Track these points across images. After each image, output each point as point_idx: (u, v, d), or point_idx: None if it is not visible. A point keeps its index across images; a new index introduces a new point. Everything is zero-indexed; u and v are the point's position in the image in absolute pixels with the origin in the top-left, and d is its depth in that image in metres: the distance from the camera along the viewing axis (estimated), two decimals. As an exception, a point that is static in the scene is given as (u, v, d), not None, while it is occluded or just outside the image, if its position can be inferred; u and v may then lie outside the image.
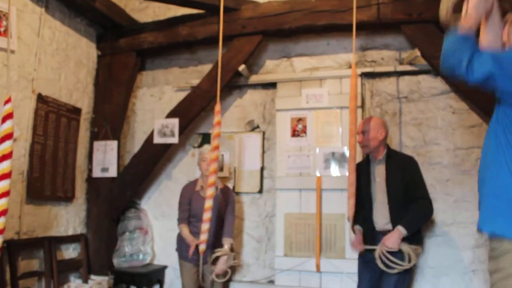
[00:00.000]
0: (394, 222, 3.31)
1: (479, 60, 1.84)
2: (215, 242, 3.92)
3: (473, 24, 1.97)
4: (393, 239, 3.21)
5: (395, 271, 3.21)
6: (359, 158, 3.79)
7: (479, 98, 3.81)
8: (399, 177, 3.38)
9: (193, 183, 4.13)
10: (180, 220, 3.98)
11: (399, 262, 3.20)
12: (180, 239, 4.04)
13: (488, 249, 1.91)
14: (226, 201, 4.06)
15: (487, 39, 2.07)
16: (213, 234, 3.83)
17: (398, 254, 3.23)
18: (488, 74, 1.82)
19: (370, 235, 3.44)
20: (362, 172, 3.53)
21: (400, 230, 3.22)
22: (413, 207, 3.30)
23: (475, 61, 1.85)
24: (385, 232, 3.32)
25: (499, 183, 1.85)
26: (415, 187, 3.37)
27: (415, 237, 3.34)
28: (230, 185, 4.68)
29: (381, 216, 3.40)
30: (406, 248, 3.22)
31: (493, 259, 1.85)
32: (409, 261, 3.22)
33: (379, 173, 3.48)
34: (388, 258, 3.21)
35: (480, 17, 2.01)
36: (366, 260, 3.48)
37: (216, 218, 3.93)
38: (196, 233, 3.84)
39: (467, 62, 1.85)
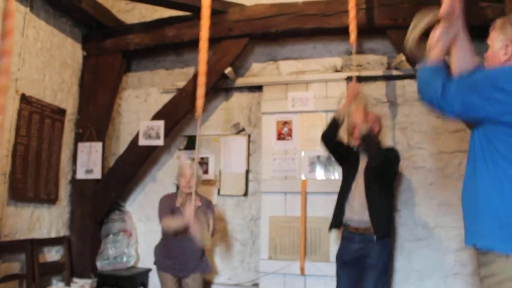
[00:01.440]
0: (370, 206, 3.40)
1: (453, 91, 1.86)
2: (196, 263, 3.84)
3: (441, 54, 2.01)
4: (360, 118, 3.38)
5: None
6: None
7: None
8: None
9: (172, 196, 3.92)
10: (163, 215, 3.75)
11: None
12: (161, 250, 3.95)
13: (478, 256, 1.91)
14: (204, 214, 3.87)
15: (457, 64, 2.10)
16: (194, 254, 3.80)
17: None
18: (467, 105, 1.84)
19: (349, 216, 3.52)
20: (351, 162, 3.66)
21: (363, 127, 3.38)
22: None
23: (449, 92, 1.87)
24: (358, 231, 3.45)
25: (491, 203, 1.84)
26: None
27: (385, 228, 3.43)
28: (215, 188, 4.67)
29: (358, 202, 3.48)
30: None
31: (484, 265, 1.86)
32: None
33: (363, 163, 3.58)
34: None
35: (447, 45, 2.04)
36: (343, 261, 3.55)
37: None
38: (169, 256, 3.78)
39: (441, 94, 1.87)
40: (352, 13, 3.61)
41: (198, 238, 3.52)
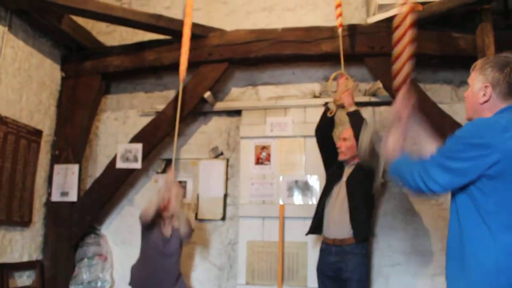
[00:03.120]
0: (353, 223, 3.44)
1: (433, 168, 1.90)
2: (172, 285, 3.85)
3: (399, 147, 2.10)
4: (350, 98, 3.57)
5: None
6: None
7: (438, 129, 3.91)
8: (361, 178, 3.53)
9: None
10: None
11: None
12: (134, 272, 3.93)
13: None
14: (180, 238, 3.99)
15: (424, 150, 2.19)
16: (170, 276, 3.81)
17: None
18: (452, 172, 1.86)
19: (327, 226, 3.59)
20: (334, 172, 3.74)
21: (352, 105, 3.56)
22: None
23: (429, 170, 1.90)
24: (334, 242, 3.51)
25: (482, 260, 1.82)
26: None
27: (361, 229, 3.47)
28: (193, 212, 4.64)
29: (338, 210, 3.53)
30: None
31: None
32: None
33: (346, 174, 3.66)
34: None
35: (402, 141, 2.13)
36: (323, 273, 3.60)
37: (171, 257, 3.88)
38: (145, 278, 3.81)
39: (424, 174, 1.91)
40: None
41: (176, 204, 3.73)
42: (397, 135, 2.12)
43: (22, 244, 4.25)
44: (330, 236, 3.56)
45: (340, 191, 3.61)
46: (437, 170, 1.88)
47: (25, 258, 4.27)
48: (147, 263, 3.84)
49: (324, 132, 3.83)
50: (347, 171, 3.68)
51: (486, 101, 1.97)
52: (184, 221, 3.86)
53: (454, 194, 1.97)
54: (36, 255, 4.42)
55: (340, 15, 3.94)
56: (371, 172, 3.47)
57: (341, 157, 3.72)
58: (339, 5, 3.94)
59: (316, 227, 3.70)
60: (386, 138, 2.15)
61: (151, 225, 3.84)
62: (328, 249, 3.57)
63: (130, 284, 3.95)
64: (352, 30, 4.19)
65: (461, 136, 1.90)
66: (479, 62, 2.06)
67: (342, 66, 3.84)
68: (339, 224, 3.51)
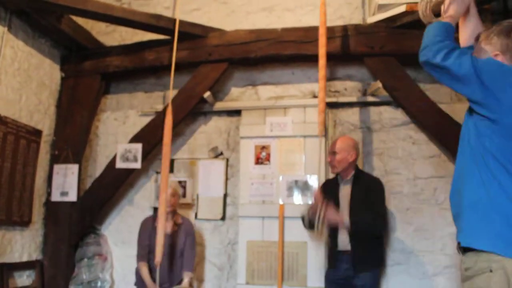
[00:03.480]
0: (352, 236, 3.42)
1: (459, 55, 1.88)
2: (173, 278, 3.90)
3: (453, 22, 2.04)
4: (334, 216, 3.32)
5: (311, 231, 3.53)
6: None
7: (438, 129, 3.95)
8: (362, 199, 3.48)
9: (151, 219, 4.11)
10: (140, 258, 3.96)
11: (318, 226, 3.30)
12: (138, 275, 4.00)
13: (462, 268, 1.90)
14: (185, 235, 4.08)
15: (465, 38, 2.15)
16: (172, 270, 3.81)
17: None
18: (465, 74, 1.85)
19: (333, 255, 3.55)
20: (330, 191, 3.61)
21: (344, 220, 3.33)
22: (367, 215, 3.39)
23: (455, 54, 1.88)
24: (347, 252, 3.43)
25: (476, 198, 1.87)
26: (374, 204, 3.46)
27: (375, 257, 3.49)
28: (192, 212, 4.64)
29: (343, 236, 3.48)
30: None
31: (468, 278, 1.85)
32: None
33: (344, 194, 3.59)
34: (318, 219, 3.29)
35: (459, 15, 2.09)
36: (331, 281, 3.57)
37: (176, 253, 3.91)
38: (155, 271, 3.83)
39: (448, 50, 1.89)
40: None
41: None
42: (460, 2, 2.07)
43: (22, 244, 4.25)
44: (341, 248, 3.51)
45: (342, 207, 3.54)
46: (460, 62, 1.86)
47: (25, 258, 4.27)
48: (150, 267, 3.89)
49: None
50: (345, 189, 3.61)
51: None
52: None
53: (465, 123, 2.01)
54: (36, 255, 4.42)
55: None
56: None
57: (333, 171, 3.71)
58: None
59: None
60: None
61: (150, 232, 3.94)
62: (340, 257, 3.52)
63: (135, 284, 3.99)
64: (352, 30, 4.19)
65: (488, 62, 1.91)
66: (482, 34, 2.05)
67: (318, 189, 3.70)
68: (346, 243, 3.47)
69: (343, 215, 3.38)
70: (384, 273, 4.12)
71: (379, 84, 4.16)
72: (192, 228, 4.23)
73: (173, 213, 4.05)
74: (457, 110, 4.12)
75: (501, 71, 1.88)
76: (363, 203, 3.45)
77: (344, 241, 3.49)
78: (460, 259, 1.94)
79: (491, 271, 1.75)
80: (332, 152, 3.64)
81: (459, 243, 1.93)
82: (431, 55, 1.92)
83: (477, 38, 2.07)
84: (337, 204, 3.55)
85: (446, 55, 1.88)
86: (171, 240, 3.95)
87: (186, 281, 3.88)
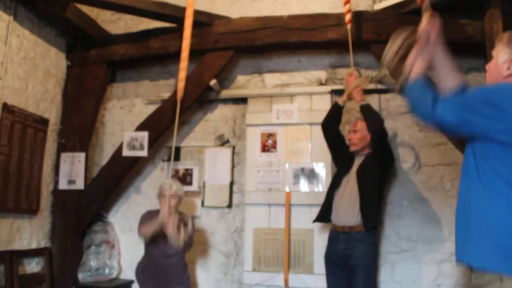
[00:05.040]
0: (362, 211, 3.47)
1: (446, 106, 1.87)
2: (178, 282, 3.89)
3: (422, 71, 2.03)
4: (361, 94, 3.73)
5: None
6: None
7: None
8: (372, 167, 3.58)
9: (154, 213, 3.90)
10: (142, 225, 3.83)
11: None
12: (140, 270, 3.97)
13: (472, 274, 1.90)
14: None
15: (442, 83, 2.11)
16: (176, 272, 3.86)
17: None
18: (461, 120, 1.83)
19: (336, 214, 3.63)
20: (344, 162, 3.79)
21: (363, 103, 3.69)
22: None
23: (441, 106, 1.87)
24: (344, 230, 3.54)
25: (487, 222, 1.83)
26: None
27: (371, 217, 3.50)
28: (199, 199, 4.66)
29: (348, 199, 3.57)
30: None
31: (481, 286, 1.84)
32: None
33: (356, 164, 3.70)
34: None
35: (426, 63, 2.06)
36: (331, 261, 3.64)
37: (178, 252, 3.87)
38: (151, 274, 3.83)
39: (432, 109, 1.88)
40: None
41: (172, 236, 3.63)
42: (422, 56, 2.05)
43: (30, 232, 4.28)
44: (339, 224, 3.59)
45: (349, 180, 3.63)
46: (451, 111, 1.85)
47: (34, 246, 4.31)
48: (151, 263, 3.88)
49: (332, 125, 3.88)
50: (358, 161, 3.71)
51: (509, 75, 1.94)
52: (177, 242, 3.73)
53: (467, 150, 1.97)
54: (44, 243, 4.46)
55: (348, 1, 3.92)
56: (383, 157, 3.59)
57: (352, 148, 3.77)
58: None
59: (324, 215, 3.74)
60: (411, 54, 2.09)
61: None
62: (337, 237, 3.60)
63: (137, 278, 4.00)
64: (359, 17, 4.15)
65: (489, 92, 1.88)
66: (506, 35, 2.03)
67: (352, 63, 3.83)
68: (348, 212, 3.54)
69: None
70: (389, 260, 4.13)
71: (386, 71, 4.13)
72: (193, 227, 3.96)
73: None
74: (464, 97, 4.11)
75: None
76: (371, 173, 3.56)
77: (341, 217, 3.57)
78: (470, 276, 1.94)
79: (501, 281, 1.76)
80: (353, 131, 3.75)
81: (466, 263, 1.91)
82: (441, 123, 1.90)
83: (500, 39, 2.04)
84: (348, 170, 3.69)
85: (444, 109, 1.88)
86: (169, 246, 3.79)
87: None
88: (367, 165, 3.61)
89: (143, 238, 3.85)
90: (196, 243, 4.53)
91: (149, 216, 3.89)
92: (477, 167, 1.89)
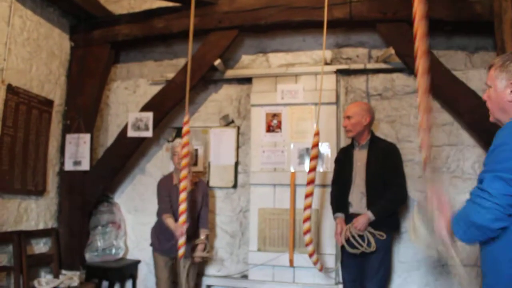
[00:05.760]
0: (370, 206, 3.46)
1: (477, 197, 1.77)
2: (192, 234, 3.96)
3: (448, 218, 1.96)
4: (361, 221, 3.41)
5: (357, 251, 3.43)
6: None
7: (451, 97, 3.89)
8: (379, 163, 3.53)
9: (169, 177, 4.14)
10: (163, 210, 3.95)
11: (362, 244, 3.42)
12: (157, 232, 4.06)
13: None
14: (202, 194, 4.12)
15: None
16: (191, 226, 3.86)
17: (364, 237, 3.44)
18: (504, 190, 1.71)
19: (347, 218, 3.58)
20: (345, 156, 3.72)
21: (368, 215, 3.41)
22: (387, 195, 3.45)
23: (484, 211, 1.75)
24: (362, 200, 3.52)
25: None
26: (393, 174, 3.52)
27: (392, 221, 3.52)
28: (204, 180, 4.67)
29: (357, 200, 3.54)
30: (367, 232, 3.43)
31: None
32: (369, 245, 3.42)
33: (360, 158, 3.63)
34: (354, 238, 3.44)
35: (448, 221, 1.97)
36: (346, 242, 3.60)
37: (193, 210, 3.96)
38: (165, 238, 3.96)
39: (481, 223, 1.76)
40: None
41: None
42: (444, 220, 1.98)
43: (38, 213, 4.32)
44: (354, 212, 3.56)
45: (357, 173, 3.59)
46: (487, 186, 1.73)
47: (41, 226, 4.35)
48: (166, 227, 3.95)
49: None
50: (361, 154, 3.63)
51: None
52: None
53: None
54: (51, 223, 4.50)
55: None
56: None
57: (348, 135, 3.71)
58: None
59: (340, 208, 3.67)
60: (436, 228, 2.01)
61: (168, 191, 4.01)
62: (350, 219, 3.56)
63: (151, 244, 4.06)
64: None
65: (503, 143, 1.78)
66: (496, 61, 1.96)
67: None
68: (362, 201, 3.52)
69: (366, 215, 3.44)
70: (397, 239, 4.15)
71: (391, 50, 4.09)
72: (207, 188, 4.29)
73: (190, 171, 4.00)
74: (471, 77, 4.08)
75: None
76: (381, 169, 3.50)
77: (358, 205, 3.54)
78: None
79: None
80: (346, 117, 3.67)
81: None
82: (479, 217, 1.77)
83: (490, 66, 1.98)
84: (351, 169, 3.61)
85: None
86: (191, 197, 3.97)
87: (203, 238, 3.99)
88: (375, 162, 3.53)
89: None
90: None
91: (165, 181, 4.10)
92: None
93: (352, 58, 4.49)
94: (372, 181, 3.50)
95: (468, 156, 4.07)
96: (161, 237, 4.00)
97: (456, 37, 4.25)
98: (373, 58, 4.43)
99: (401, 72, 4.32)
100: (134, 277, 4.67)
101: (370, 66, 4.37)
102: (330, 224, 3.94)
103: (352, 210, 3.57)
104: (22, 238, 3.98)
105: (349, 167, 3.65)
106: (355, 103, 3.77)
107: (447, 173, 4.10)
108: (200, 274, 4.52)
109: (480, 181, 1.80)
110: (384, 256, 3.52)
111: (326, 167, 4.25)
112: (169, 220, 3.85)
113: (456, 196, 4.00)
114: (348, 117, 3.65)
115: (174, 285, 4.10)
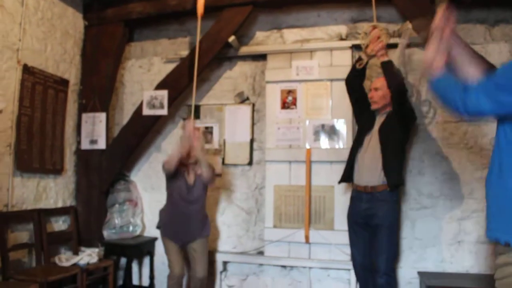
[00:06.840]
0: (386, 170, 3.46)
1: (479, 93, 1.81)
2: (199, 228, 3.99)
3: (442, 64, 1.98)
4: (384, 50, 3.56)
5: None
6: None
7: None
8: (394, 125, 3.53)
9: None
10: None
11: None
12: (162, 216, 4.09)
13: (496, 245, 1.87)
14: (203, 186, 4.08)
15: (467, 73, 2.08)
16: (197, 219, 3.95)
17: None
18: (496, 104, 1.77)
19: (359, 173, 3.62)
20: (366, 121, 3.74)
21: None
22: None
23: (474, 94, 1.82)
24: (371, 170, 3.52)
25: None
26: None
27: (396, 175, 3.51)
28: (220, 157, 4.69)
29: (370, 158, 3.55)
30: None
31: (504, 253, 1.82)
32: None
33: (378, 122, 3.65)
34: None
35: (444, 56, 2.00)
36: (354, 221, 3.66)
37: (199, 199, 3.99)
38: (173, 222, 3.97)
39: (464, 99, 1.83)
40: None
41: (197, 150, 3.85)
42: (439, 51, 2.01)
43: (56, 191, 4.39)
44: (361, 184, 3.57)
45: (372, 139, 3.59)
46: (485, 97, 1.79)
47: (60, 204, 4.42)
48: (173, 209, 3.98)
49: (355, 82, 3.79)
50: (379, 120, 3.65)
51: None
52: (206, 166, 3.90)
53: (498, 131, 1.92)
54: (69, 201, 4.57)
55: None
56: (404, 115, 3.52)
57: (373, 107, 3.69)
58: None
59: (348, 175, 3.70)
60: (427, 51, 2.05)
61: (174, 173, 3.92)
62: (359, 197, 3.59)
63: (158, 227, 4.10)
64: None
65: None
66: None
67: (375, 17, 3.70)
68: (371, 172, 3.52)
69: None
70: (410, 216, 4.14)
71: (408, 25, 4.01)
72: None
73: (195, 164, 4.00)
74: (491, 51, 4.00)
75: None
76: (395, 131, 3.51)
77: (364, 177, 3.55)
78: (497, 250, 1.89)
79: None
80: (374, 89, 3.67)
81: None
82: (476, 110, 1.85)
83: None
84: (370, 129, 3.64)
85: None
86: (190, 191, 3.98)
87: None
88: (389, 124, 3.55)
89: (167, 171, 3.93)
90: (217, 200, 4.63)
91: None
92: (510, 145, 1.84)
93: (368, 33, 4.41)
94: (385, 143, 3.52)
95: (486, 132, 4.01)
96: (168, 221, 4.02)
97: (475, 10, 4.14)
98: (390, 33, 4.34)
99: (418, 47, 4.24)
100: (151, 254, 4.74)
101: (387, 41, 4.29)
102: (343, 200, 3.94)
103: (365, 167, 3.57)
104: (42, 216, 4.05)
105: (367, 130, 3.67)
106: (382, 77, 3.72)
107: (464, 149, 4.06)
108: (215, 251, 4.57)
109: (484, 83, 1.84)
110: (391, 230, 3.52)
111: (342, 144, 4.23)
112: (169, 155, 3.94)
113: (474, 172, 3.97)
114: (376, 89, 3.66)
115: (187, 263, 4.15)
